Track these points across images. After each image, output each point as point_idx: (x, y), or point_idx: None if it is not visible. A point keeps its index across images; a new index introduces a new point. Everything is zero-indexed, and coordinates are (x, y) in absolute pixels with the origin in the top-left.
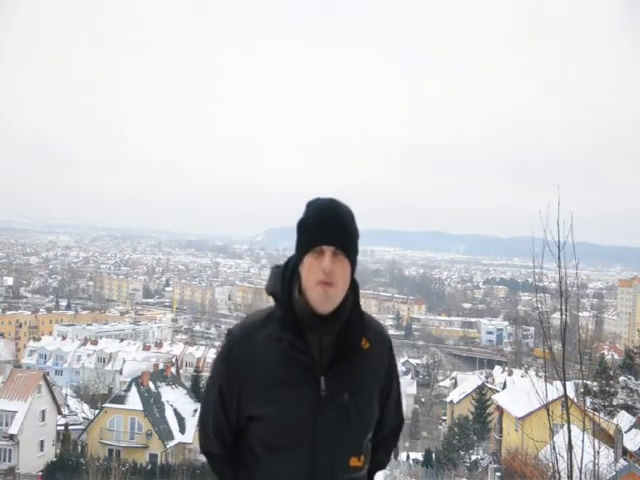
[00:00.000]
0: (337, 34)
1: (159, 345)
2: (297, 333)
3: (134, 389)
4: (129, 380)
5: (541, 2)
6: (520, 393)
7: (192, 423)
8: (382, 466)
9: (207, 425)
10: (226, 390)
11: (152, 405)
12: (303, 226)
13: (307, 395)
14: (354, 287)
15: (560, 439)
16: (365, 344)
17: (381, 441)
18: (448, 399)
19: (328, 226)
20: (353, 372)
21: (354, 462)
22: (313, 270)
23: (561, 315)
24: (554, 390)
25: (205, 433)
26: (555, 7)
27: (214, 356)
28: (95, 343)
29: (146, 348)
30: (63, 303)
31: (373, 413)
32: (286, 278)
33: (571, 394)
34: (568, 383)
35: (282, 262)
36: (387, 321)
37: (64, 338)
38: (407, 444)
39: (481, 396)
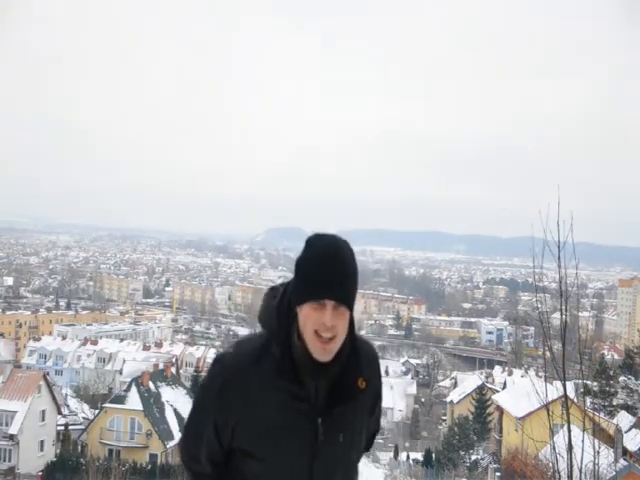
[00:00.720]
0: (337, 34)
1: (159, 345)
2: (294, 379)
3: (134, 389)
4: (129, 380)
5: (541, 2)
6: (520, 393)
7: None
8: None
9: (198, 451)
10: (221, 426)
11: (152, 405)
12: (303, 269)
13: (305, 440)
14: (350, 325)
15: (560, 439)
16: (361, 384)
17: None
18: (448, 399)
19: (330, 278)
20: (348, 412)
21: None
22: (312, 319)
23: (561, 315)
24: (554, 390)
25: (194, 457)
26: (555, 7)
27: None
28: (95, 343)
29: (146, 348)
30: (63, 303)
31: (363, 441)
32: (282, 313)
33: (571, 394)
34: (568, 383)
35: (282, 263)
36: (387, 321)
37: (64, 338)
38: (407, 444)
39: (481, 396)
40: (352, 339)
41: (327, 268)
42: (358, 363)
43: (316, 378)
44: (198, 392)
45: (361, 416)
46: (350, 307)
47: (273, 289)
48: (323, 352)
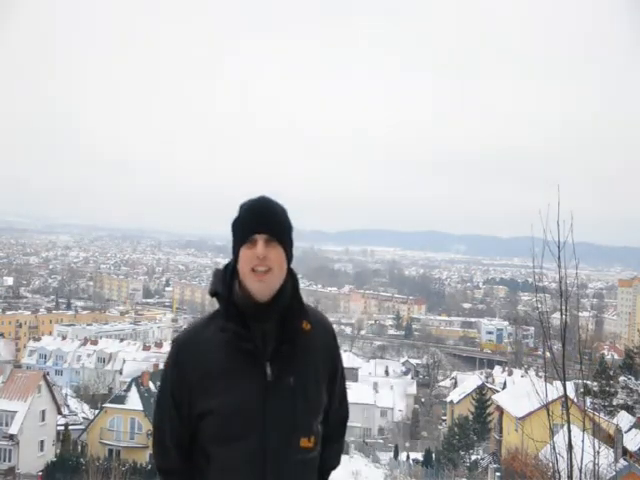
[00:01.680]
0: (335, 33)
1: (159, 345)
2: (239, 322)
3: (134, 389)
4: (129, 380)
5: (543, 3)
6: (520, 393)
7: None
8: (332, 468)
9: (164, 439)
10: (178, 393)
11: (152, 405)
12: (235, 224)
13: (254, 382)
14: (293, 277)
15: (560, 439)
16: (306, 326)
17: (328, 436)
18: (448, 399)
19: (259, 216)
20: (297, 355)
21: (304, 443)
22: (247, 258)
23: (561, 315)
24: (554, 390)
25: (163, 446)
26: (557, 7)
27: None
28: (95, 343)
29: (146, 348)
30: (63, 303)
31: (320, 396)
32: (226, 276)
33: (571, 394)
34: (568, 383)
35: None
36: (387, 321)
37: (64, 338)
38: (407, 444)
39: (481, 396)
40: (294, 288)
41: (254, 212)
42: (301, 306)
43: (260, 319)
44: (161, 376)
45: (313, 365)
46: (282, 243)
47: (219, 268)
48: (260, 286)
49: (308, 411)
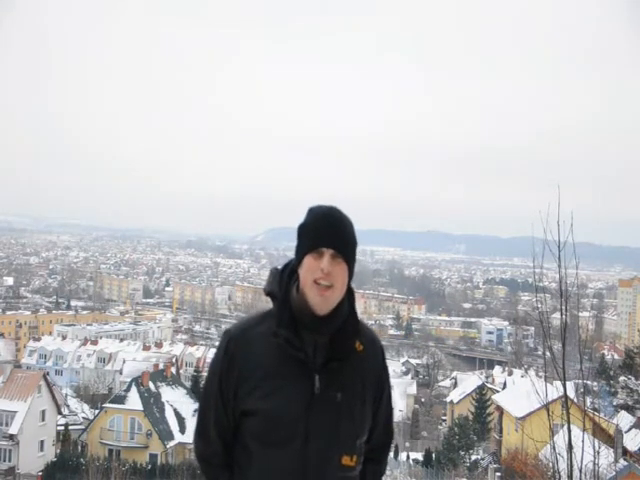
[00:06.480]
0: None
1: (159, 345)
2: (292, 329)
3: (134, 389)
4: (129, 380)
5: (543, 3)
6: (520, 393)
7: (192, 423)
8: None
9: (208, 427)
10: (225, 385)
11: (152, 405)
12: (304, 229)
13: (301, 391)
14: (351, 294)
15: (560, 439)
16: (359, 347)
17: (370, 456)
18: (448, 399)
19: (329, 229)
20: (346, 373)
21: (346, 461)
22: (311, 269)
23: (561, 315)
24: (554, 390)
25: (205, 436)
26: (557, 7)
27: (212, 356)
28: (95, 343)
29: (146, 348)
30: (63, 303)
31: (365, 416)
32: (284, 278)
33: (571, 394)
34: (568, 383)
35: (282, 263)
36: (387, 321)
37: (64, 338)
38: (407, 444)
39: (481, 396)
40: (351, 305)
41: (325, 224)
42: (356, 326)
43: (314, 331)
44: (209, 366)
45: (362, 385)
46: (347, 261)
47: (277, 267)
48: (321, 300)
49: (352, 429)
